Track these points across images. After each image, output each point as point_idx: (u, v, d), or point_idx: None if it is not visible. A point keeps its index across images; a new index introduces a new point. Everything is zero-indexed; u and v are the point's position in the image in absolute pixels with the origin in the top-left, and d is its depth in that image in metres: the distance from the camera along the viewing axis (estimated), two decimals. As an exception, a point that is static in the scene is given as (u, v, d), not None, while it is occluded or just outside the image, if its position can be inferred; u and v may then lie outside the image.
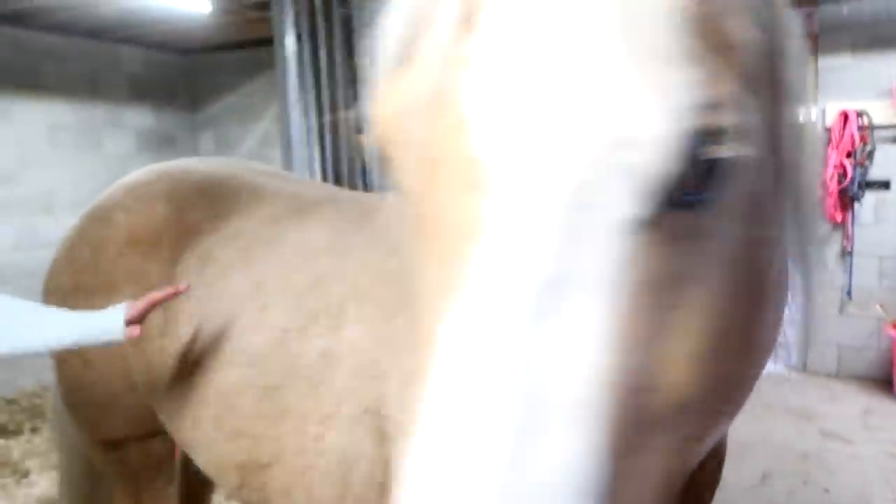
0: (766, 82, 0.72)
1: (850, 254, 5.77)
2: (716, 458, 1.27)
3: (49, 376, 2.26)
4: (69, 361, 2.04)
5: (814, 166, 0.86)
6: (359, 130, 0.85)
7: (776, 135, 0.77)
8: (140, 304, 1.65)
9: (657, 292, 0.59)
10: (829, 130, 5.64)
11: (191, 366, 1.80)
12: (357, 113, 0.85)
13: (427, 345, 0.60)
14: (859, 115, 5.55)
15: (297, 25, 4.86)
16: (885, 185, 5.71)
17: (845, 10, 5.53)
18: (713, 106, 0.58)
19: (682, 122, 0.56)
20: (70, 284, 2.02)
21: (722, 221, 0.63)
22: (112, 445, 2.09)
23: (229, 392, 1.69)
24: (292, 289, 1.69)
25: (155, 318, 1.79)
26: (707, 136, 0.57)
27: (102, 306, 1.69)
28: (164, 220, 1.96)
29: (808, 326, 0.99)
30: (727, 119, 0.59)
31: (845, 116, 5.59)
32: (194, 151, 8.55)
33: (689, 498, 1.16)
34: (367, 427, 1.47)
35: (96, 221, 2.06)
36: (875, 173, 5.65)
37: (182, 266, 1.91)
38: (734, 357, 0.80)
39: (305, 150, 4.93)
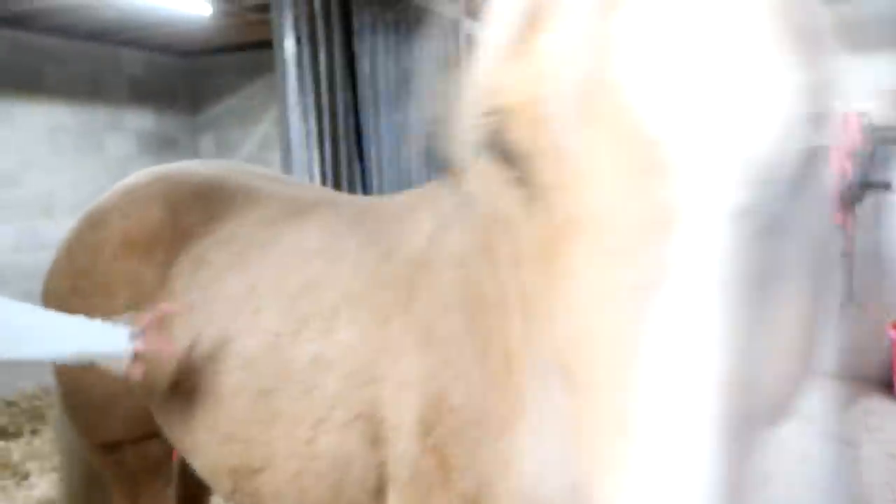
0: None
1: (851, 254, 5.75)
2: None
3: (49, 378, 2.27)
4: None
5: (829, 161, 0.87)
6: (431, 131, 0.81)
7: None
8: (146, 321, 1.64)
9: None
10: (829, 131, 5.64)
11: (184, 369, 1.80)
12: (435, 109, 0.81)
13: (589, 345, 0.59)
14: (860, 116, 5.55)
15: (297, 28, 4.86)
16: (886, 186, 5.70)
17: (846, 10, 5.51)
18: (822, 90, 0.58)
19: (819, 103, 0.57)
20: (68, 287, 2.03)
21: (811, 212, 0.64)
22: (110, 448, 2.09)
23: (222, 396, 1.69)
24: (285, 292, 1.69)
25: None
26: (818, 120, 0.58)
27: (100, 309, 1.68)
28: (160, 223, 1.97)
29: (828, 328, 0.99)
30: (828, 105, 0.59)
31: (846, 118, 5.58)
32: (195, 154, 8.56)
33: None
34: (359, 431, 1.47)
35: (93, 224, 2.07)
36: (875, 174, 5.64)
37: (177, 269, 1.91)
38: (809, 352, 0.80)
39: (305, 153, 4.94)
